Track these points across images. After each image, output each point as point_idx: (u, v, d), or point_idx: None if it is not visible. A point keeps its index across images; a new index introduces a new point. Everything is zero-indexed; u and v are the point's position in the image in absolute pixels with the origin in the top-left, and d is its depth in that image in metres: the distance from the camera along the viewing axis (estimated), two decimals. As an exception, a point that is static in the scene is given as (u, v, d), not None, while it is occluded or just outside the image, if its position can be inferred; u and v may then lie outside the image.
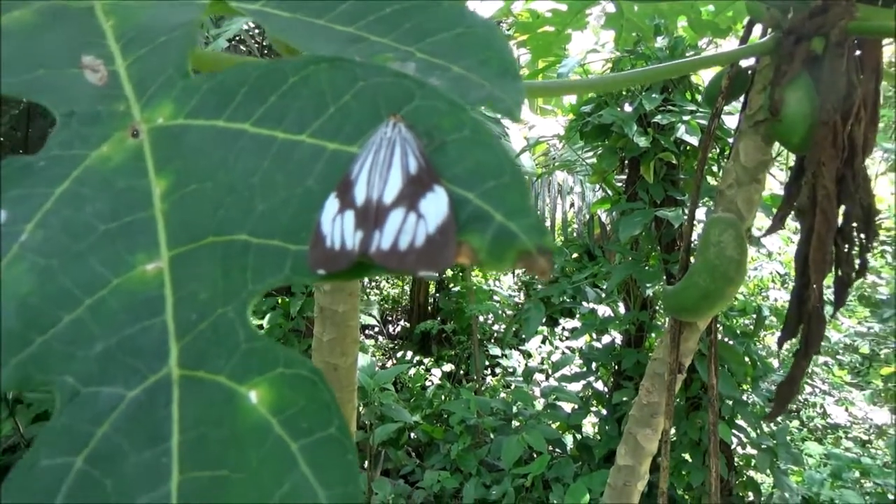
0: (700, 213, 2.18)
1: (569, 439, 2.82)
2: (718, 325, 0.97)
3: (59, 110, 0.24)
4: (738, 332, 2.40)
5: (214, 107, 0.24)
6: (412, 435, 3.09)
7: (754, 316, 2.44)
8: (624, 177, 2.46)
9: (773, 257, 3.41)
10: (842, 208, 0.79)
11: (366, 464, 2.59)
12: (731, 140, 2.13)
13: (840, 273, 0.79)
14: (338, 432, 0.19)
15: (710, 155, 2.26)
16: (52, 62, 0.26)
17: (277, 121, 0.24)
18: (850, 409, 3.52)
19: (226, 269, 0.22)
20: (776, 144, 0.86)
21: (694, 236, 1.18)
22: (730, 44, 2.19)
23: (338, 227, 0.22)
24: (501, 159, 0.21)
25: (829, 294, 0.99)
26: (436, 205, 0.21)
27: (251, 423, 0.19)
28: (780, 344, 0.81)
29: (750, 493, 2.46)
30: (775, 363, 3.18)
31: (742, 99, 0.91)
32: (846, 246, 0.79)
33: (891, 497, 2.61)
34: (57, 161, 0.23)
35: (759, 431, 2.33)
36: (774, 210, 2.19)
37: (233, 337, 0.20)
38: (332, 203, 0.23)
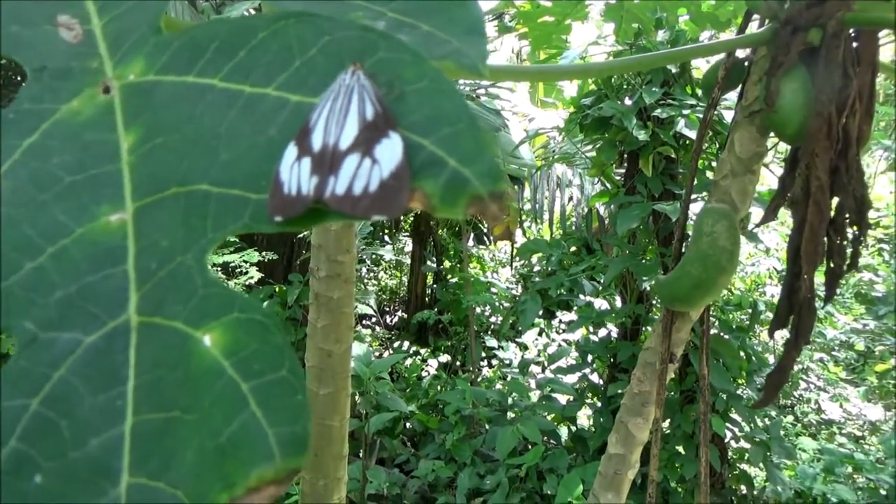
0: (697, 207, 2.17)
1: (563, 431, 2.84)
2: (711, 317, 0.97)
3: (32, 66, 0.25)
4: (734, 326, 2.41)
5: (185, 62, 0.24)
6: (407, 424, 3.10)
7: (750, 311, 2.45)
8: (623, 170, 2.46)
9: (770, 253, 3.41)
10: (835, 200, 0.79)
11: (360, 452, 2.61)
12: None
13: (832, 265, 0.79)
14: (289, 374, 0.19)
15: (709, 149, 2.26)
16: (28, 19, 0.26)
17: (245, 75, 0.24)
18: (844, 406, 3.53)
19: (187, 218, 0.22)
20: (772, 136, 0.86)
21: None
22: (729, 36, 2.18)
23: (295, 173, 0.22)
24: (459, 107, 0.21)
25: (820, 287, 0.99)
26: (390, 150, 0.22)
27: (205, 366, 0.19)
28: (771, 334, 0.81)
29: (743, 487, 2.48)
30: (770, 358, 3.19)
31: (739, 90, 0.91)
32: (838, 238, 0.79)
33: (883, 493, 2.62)
34: (27, 114, 0.23)
35: (752, 425, 2.34)
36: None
37: (191, 283, 0.21)
38: (290, 151, 0.23)
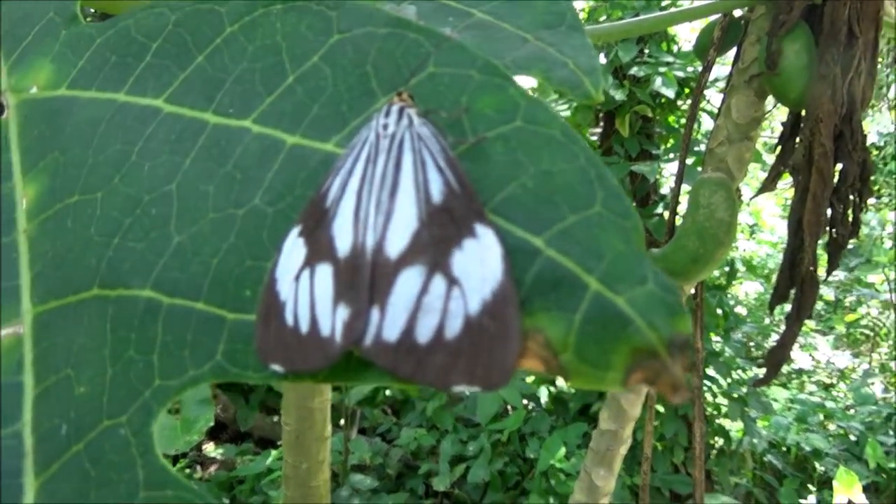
0: (672, 167, 2.16)
1: (543, 393, 2.85)
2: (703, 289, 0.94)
3: None
4: (710, 284, 2.42)
5: (113, 70, 0.15)
6: (388, 392, 3.09)
7: (726, 269, 2.46)
8: (599, 130, 2.42)
9: (741, 207, 3.43)
10: (838, 167, 0.76)
11: (341, 422, 2.58)
12: (706, 92, 2.10)
13: (835, 235, 0.76)
14: None
15: (682, 107, 2.22)
16: None
17: (207, 95, 0.14)
18: (813, 355, 3.62)
19: (118, 347, 0.12)
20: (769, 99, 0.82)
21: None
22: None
23: (305, 291, 0.12)
24: (586, 170, 0.12)
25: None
26: (480, 261, 0.12)
27: None
28: (771, 309, 0.79)
29: (720, 440, 2.53)
30: (743, 311, 3.24)
31: (734, 52, 0.86)
32: (841, 206, 0.76)
33: (853, 438, 2.70)
34: None
35: (729, 381, 2.38)
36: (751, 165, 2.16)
37: (127, 474, 0.11)
38: (293, 245, 0.13)
